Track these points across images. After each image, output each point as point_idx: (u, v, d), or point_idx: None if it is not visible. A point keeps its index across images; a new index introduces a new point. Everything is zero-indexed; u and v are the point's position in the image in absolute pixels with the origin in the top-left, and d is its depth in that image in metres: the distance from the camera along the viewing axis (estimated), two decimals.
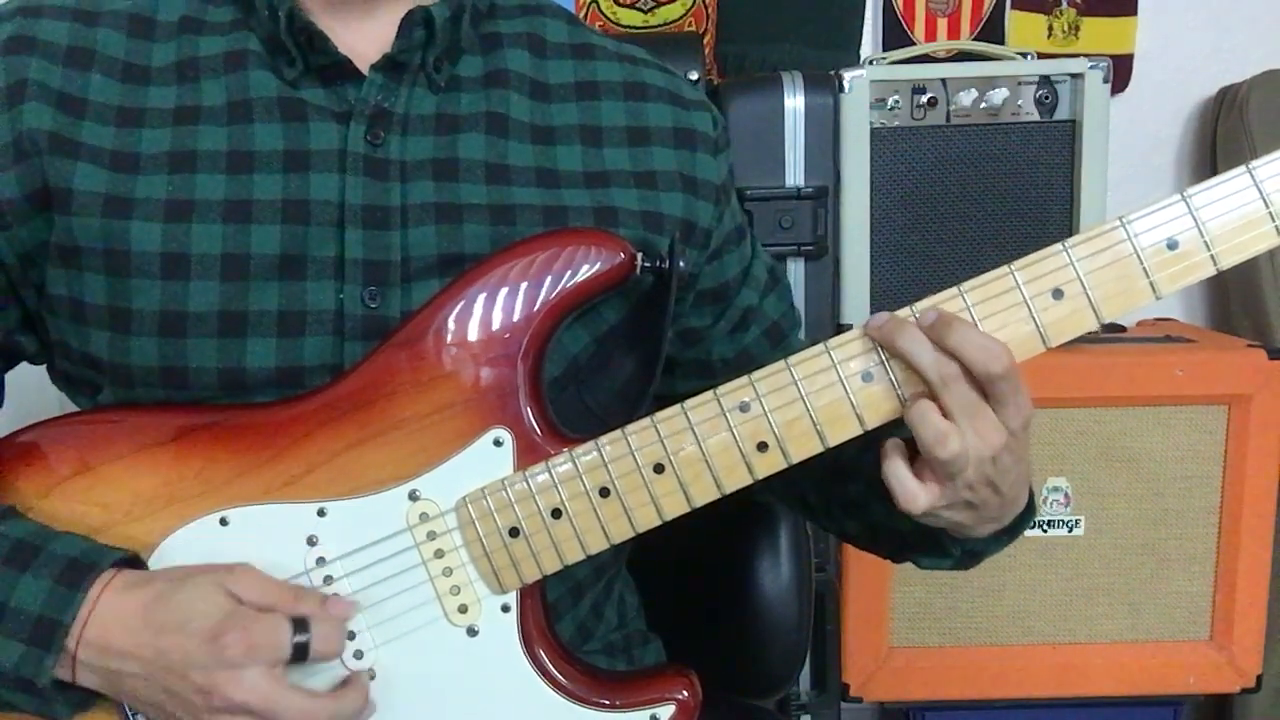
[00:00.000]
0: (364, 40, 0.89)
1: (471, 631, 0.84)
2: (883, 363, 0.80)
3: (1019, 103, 1.73)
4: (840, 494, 0.95)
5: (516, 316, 0.84)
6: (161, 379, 0.85)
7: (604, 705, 0.85)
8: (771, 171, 1.68)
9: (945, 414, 0.77)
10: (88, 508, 0.84)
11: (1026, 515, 0.87)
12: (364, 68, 0.88)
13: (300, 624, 0.79)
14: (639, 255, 0.86)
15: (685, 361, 1.02)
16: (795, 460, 0.81)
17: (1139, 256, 0.78)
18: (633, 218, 0.92)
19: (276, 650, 0.77)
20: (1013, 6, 2.05)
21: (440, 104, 0.89)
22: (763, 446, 0.81)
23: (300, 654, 0.78)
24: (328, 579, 0.83)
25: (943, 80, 1.72)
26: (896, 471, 0.79)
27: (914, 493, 0.79)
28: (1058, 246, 0.79)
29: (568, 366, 0.90)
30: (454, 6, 0.89)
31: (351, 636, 0.83)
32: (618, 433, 0.82)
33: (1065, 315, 0.79)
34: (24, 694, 0.80)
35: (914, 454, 0.80)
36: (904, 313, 0.79)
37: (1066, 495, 1.70)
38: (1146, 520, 1.70)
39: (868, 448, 0.82)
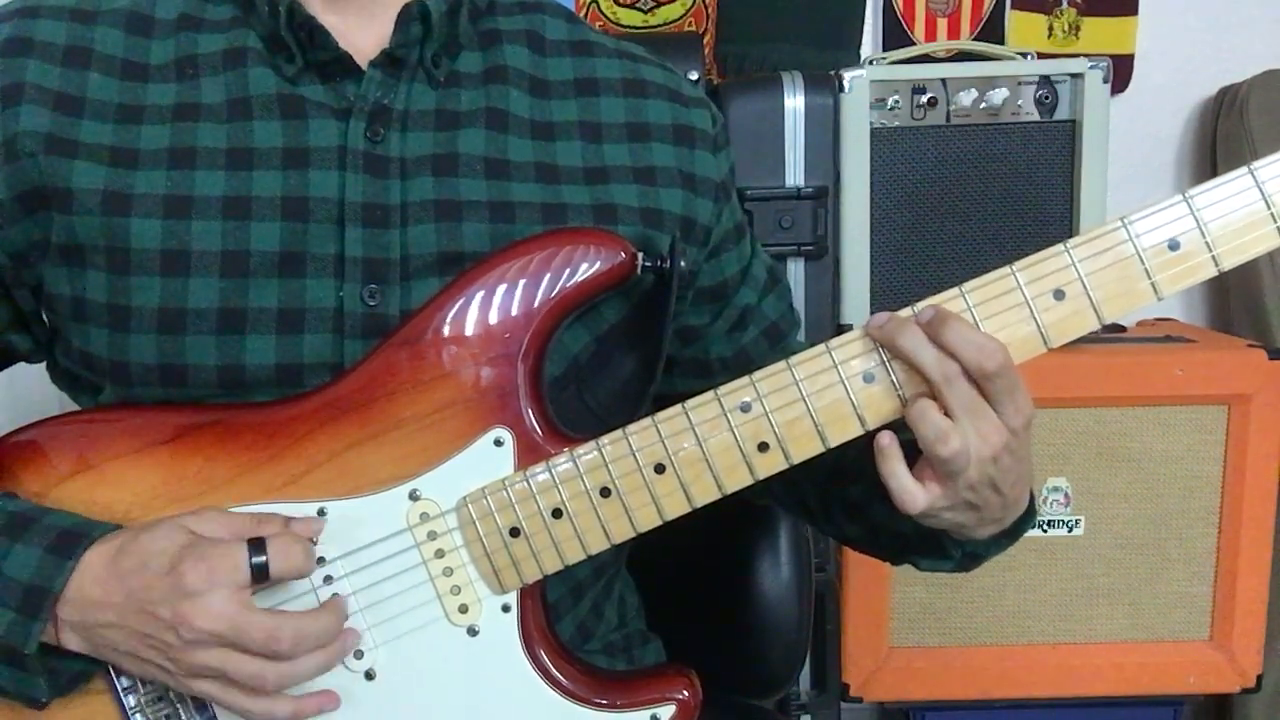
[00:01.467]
0: (363, 36, 0.89)
1: (472, 631, 0.84)
2: (884, 363, 0.80)
3: (1019, 103, 1.73)
4: (841, 496, 0.95)
5: (517, 316, 0.84)
6: (160, 376, 0.85)
7: (604, 705, 0.85)
8: (771, 171, 1.68)
9: (947, 412, 0.77)
10: (88, 507, 0.84)
11: (1027, 517, 0.87)
12: (363, 64, 0.88)
13: (258, 545, 0.78)
14: (639, 255, 0.86)
15: (683, 360, 1.01)
16: (796, 460, 0.81)
17: (1140, 257, 0.78)
18: (632, 214, 0.91)
19: (235, 572, 0.77)
20: (1013, 6, 2.05)
21: (440, 100, 0.89)
22: (764, 447, 0.81)
23: (261, 573, 0.78)
24: (328, 579, 0.83)
25: (943, 80, 1.72)
26: (894, 471, 0.79)
27: (912, 492, 0.79)
28: (1059, 247, 0.78)
29: (568, 366, 0.90)
30: (451, 1, 0.89)
31: None
32: (618, 432, 0.82)
33: (1066, 316, 0.79)
34: (8, 665, 0.80)
35: (913, 457, 0.80)
36: (905, 313, 0.79)
37: (1066, 495, 1.70)
38: (1146, 520, 1.70)
39: (869, 449, 0.82)
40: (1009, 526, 0.86)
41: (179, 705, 0.83)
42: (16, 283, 0.88)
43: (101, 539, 0.80)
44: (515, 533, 0.83)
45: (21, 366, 0.96)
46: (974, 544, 0.87)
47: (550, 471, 0.83)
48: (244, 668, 0.78)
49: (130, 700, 0.84)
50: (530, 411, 0.84)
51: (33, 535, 0.80)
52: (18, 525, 0.81)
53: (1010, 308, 0.79)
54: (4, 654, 0.79)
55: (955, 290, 0.79)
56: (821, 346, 0.81)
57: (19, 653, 0.79)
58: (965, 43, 1.99)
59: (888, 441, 0.79)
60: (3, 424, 0.89)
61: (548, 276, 0.84)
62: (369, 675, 0.84)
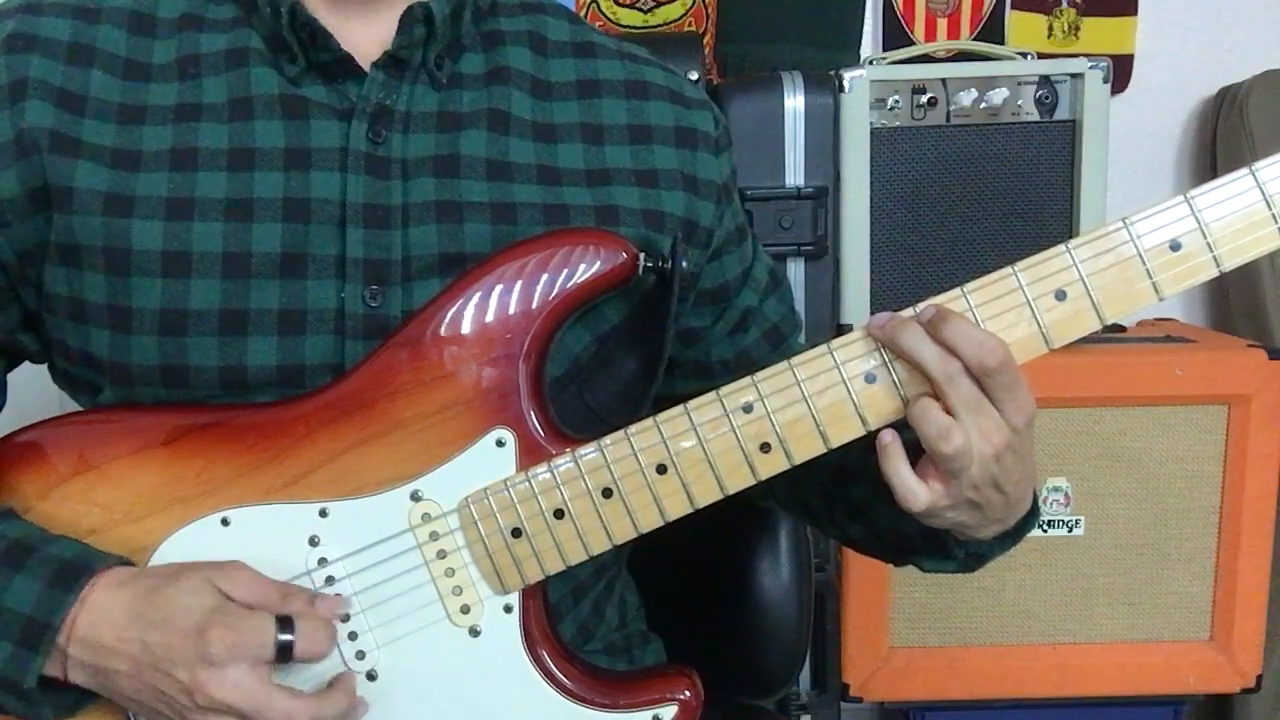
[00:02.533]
0: (366, 37, 0.89)
1: (474, 632, 0.84)
2: (885, 363, 0.80)
3: (1019, 103, 1.73)
4: (843, 497, 0.95)
5: (518, 316, 0.84)
6: (162, 378, 0.85)
7: (606, 705, 0.85)
8: (771, 171, 1.68)
9: (949, 410, 0.77)
10: (88, 508, 0.84)
11: (1031, 517, 0.87)
12: (366, 65, 0.88)
13: (286, 623, 0.78)
14: (641, 255, 0.86)
15: (684, 362, 1.01)
16: (798, 460, 0.81)
17: (1142, 258, 0.78)
18: (634, 216, 0.91)
19: (260, 649, 0.77)
20: (1013, 6, 2.05)
21: (442, 101, 0.89)
22: (765, 447, 0.81)
23: (285, 653, 0.78)
24: (329, 579, 0.83)
25: (943, 80, 1.72)
26: (897, 469, 0.79)
27: (915, 491, 0.79)
28: (1060, 247, 0.79)
29: (570, 366, 0.90)
30: (454, 3, 0.89)
31: (354, 637, 0.84)
32: (620, 433, 0.82)
33: (1068, 316, 0.79)
34: (10, 695, 0.79)
35: (915, 456, 0.80)
36: (906, 313, 0.79)
37: (1066, 495, 1.70)
38: (1146, 520, 1.70)
39: (871, 450, 0.82)
40: (1012, 526, 0.86)
41: None
42: (23, 281, 0.88)
43: (109, 573, 0.80)
44: (517, 533, 0.83)
45: (21, 367, 0.96)
46: (977, 544, 0.87)
47: (552, 471, 0.83)
48: None
49: None
50: (532, 412, 0.84)
51: (34, 566, 0.79)
52: (18, 554, 0.80)
53: (1012, 308, 0.79)
54: (5, 686, 0.79)
55: (957, 290, 0.79)
56: (823, 347, 0.81)
57: (19, 685, 0.78)
58: (965, 43, 1.99)
59: (889, 439, 0.79)
60: (3, 424, 0.89)
61: (549, 277, 0.84)
62: (371, 676, 0.84)
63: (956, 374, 0.77)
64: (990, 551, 0.89)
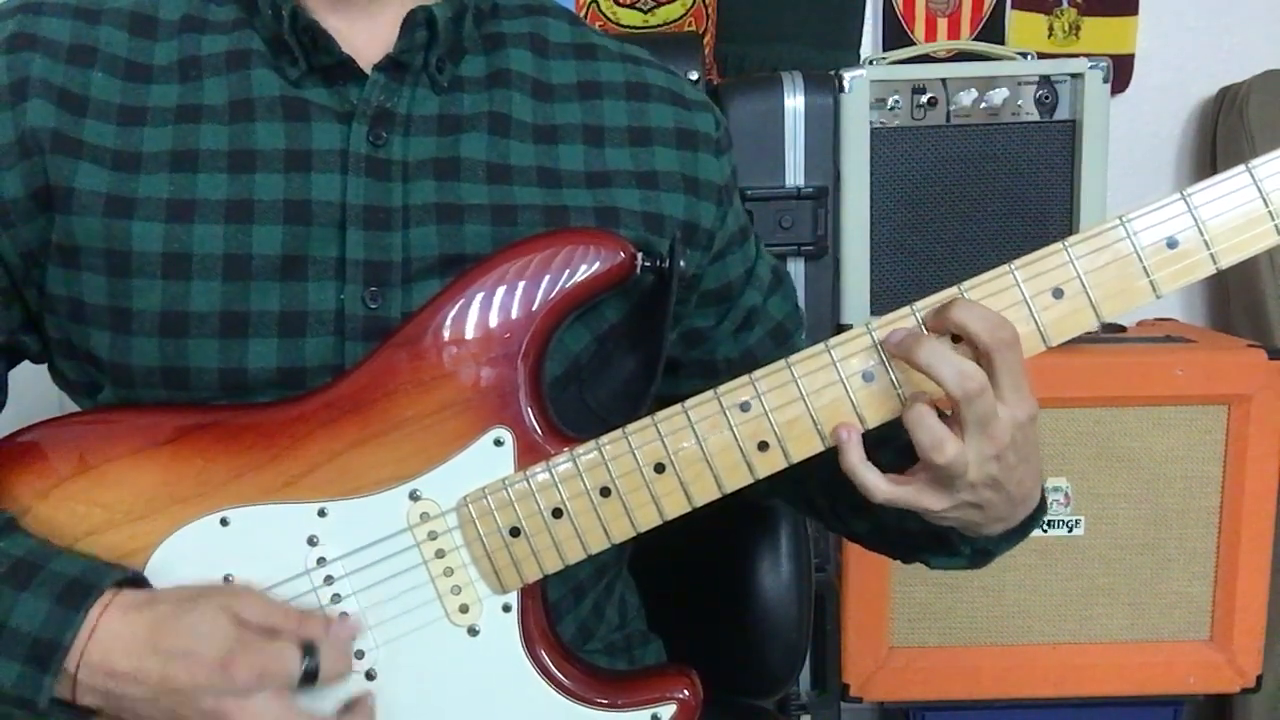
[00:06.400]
0: (367, 40, 0.89)
1: (472, 631, 0.84)
2: (883, 362, 0.80)
3: (1019, 103, 1.73)
4: (848, 494, 0.95)
5: (517, 316, 0.84)
6: (162, 379, 0.85)
7: (605, 705, 0.85)
8: (771, 171, 1.68)
9: (960, 426, 0.77)
10: (88, 508, 0.84)
11: (1037, 514, 0.87)
12: (367, 68, 0.88)
13: (308, 648, 0.79)
14: (639, 255, 0.86)
15: (689, 362, 1.02)
16: (796, 459, 0.81)
17: (1139, 255, 0.78)
18: (634, 218, 0.92)
19: (286, 675, 0.78)
20: (1013, 6, 2.05)
21: (443, 104, 0.89)
22: (763, 446, 0.81)
23: (310, 678, 0.78)
24: (328, 579, 0.83)
25: (943, 80, 1.72)
26: (853, 466, 0.80)
27: (873, 484, 0.80)
28: (1058, 246, 0.79)
29: (569, 366, 0.90)
30: (456, 6, 0.89)
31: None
32: (618, 432, 0.82)
33: (1065, 314, 0.79)
34: (23, 711, 0.79)
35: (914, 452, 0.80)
36: (903, 312, 0.79)
37: (1066, 495, 1.70)
38: (1146, 520, 1.70)
39: (875, 447, 0.82)
40: (1017, 524, 0.86)
41: None
42: (27, 282, 0.88)
43: (126, 595, 0.79)
44: (515, 532, 0.83)
45: (20, 367, 0.96)
46: (983, 540, 0.87)
47: (550, 471, 0.83)
48: None
49: None
50: (530, 411, 0.84)
51: (40, 584, 0.78)
52: (22, 572, 0.79)
53: (1009, 306, 0.79)
54: (18, 703, 0.78)
55: (954, 289, 0.79)
56: (821, 345, 0.81)
57: (34, 704, 0.78)
58: (965, 43, 1.99)
59: (846, 436, 0.80)
60: (3, 424, 0.89)
61: (547, 276, 0.84)
62: (369, 675, 0.84)
63: (975, 392, 0.76)
64: (997, 548, 0.89)
